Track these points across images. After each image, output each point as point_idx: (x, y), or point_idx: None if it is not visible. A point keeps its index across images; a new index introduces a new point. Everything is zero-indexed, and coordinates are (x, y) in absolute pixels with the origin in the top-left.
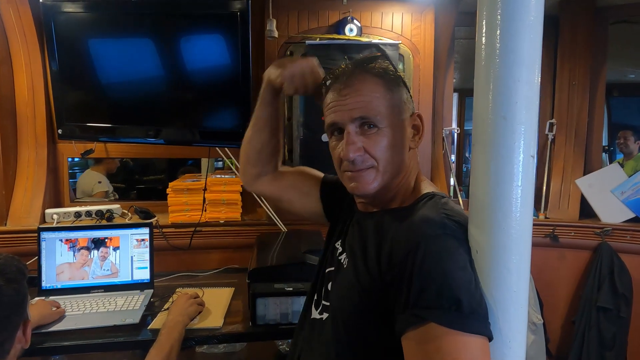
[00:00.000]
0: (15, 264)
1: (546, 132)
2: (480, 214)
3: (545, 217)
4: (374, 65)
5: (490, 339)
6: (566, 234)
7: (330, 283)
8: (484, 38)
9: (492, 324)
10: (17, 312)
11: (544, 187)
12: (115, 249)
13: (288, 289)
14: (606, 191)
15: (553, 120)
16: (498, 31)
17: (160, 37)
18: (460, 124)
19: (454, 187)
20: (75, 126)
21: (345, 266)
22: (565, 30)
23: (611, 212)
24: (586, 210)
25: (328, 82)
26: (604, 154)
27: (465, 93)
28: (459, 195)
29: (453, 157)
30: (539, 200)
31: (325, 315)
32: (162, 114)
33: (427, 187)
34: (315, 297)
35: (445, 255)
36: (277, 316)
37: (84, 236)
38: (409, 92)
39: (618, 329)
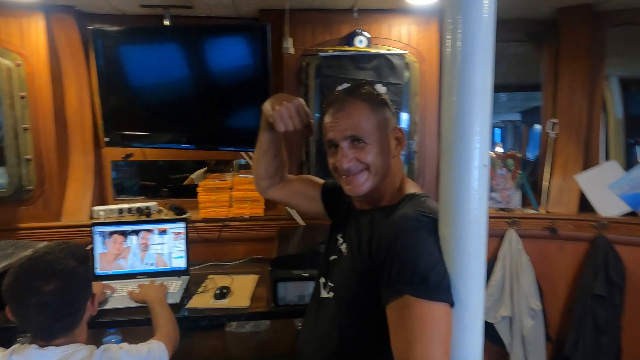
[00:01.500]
0: (82, 249)
1: (548, 130)
2: (446, 211)
3: (546, 212)
4: (361, 91)
5: (452, 304)
6: (565, 227)
7: (334, 268)
8: (447, 75)
9: (455, 294)
10: (87, 286)
11: (547, 184)
12: (157, 240)
13: (305, 274)
14: (604, 186)
15: (555, 120)
16: (458, 64)
17: (190, 49)
18: None
19: None
20: (118, 134)
21: (345, 254)
22: (565, 34)
23: (608, 206)
24: (585, 205)
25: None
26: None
27: None
28: None
29: None
30: (541, 195)
31: (331, 295)
32: (192, 121)
33: (410, 188)
34: (323, 280)
35: (417, 244)
36: (296, 297)
37: (129, 229)
38: (392, 110)
39: (612, 315)
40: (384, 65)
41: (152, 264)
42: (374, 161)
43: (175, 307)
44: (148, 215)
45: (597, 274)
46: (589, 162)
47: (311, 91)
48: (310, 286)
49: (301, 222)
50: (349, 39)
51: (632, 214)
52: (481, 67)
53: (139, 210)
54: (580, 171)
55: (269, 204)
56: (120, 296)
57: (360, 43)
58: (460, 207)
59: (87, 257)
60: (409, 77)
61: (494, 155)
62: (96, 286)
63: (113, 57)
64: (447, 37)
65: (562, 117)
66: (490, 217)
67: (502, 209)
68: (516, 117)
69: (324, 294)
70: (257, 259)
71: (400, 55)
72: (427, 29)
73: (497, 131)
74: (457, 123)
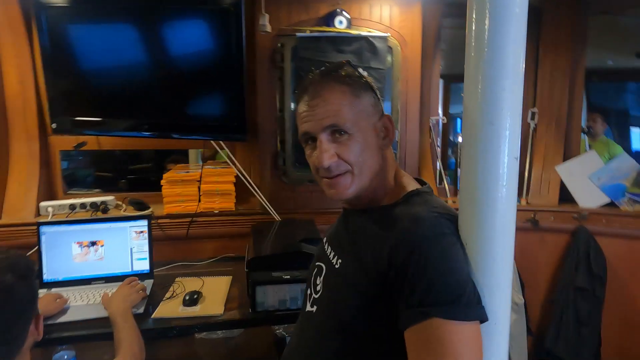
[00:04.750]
0: (24, 260)
1: (528, 120)
2: (469, 210)
3: (527, 203)
4: (339, 73)
5: (485, 320)
6: (546, 218)
7: (318, 278)
8: (473, 52)
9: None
10: (29, 307)
11: (527, 174)
12: (116, 240)
13: (285, 277)
14: (584, 177)
15: (535, 109)
16: (485, 45)
17: (151, 27)
18: (445, 108)
19: (440, 172)
20: (68, 120)
21: (337, 267)
22: (547, 22)
23: (588, 197)
24: (565, 196)
25: (297, 93)
26: (583, 134)
27: (451, 79)
28: (444, 181)
29: (438, 141)
30: (521, 186)
31: (315, 308)
32: (155, 107)
33: (409, 183)
34: (309, 292)
35: (445, 255)
36: (276, 302)
37: (82, 229)
38: (378, 95)
39: (593, 307)
40: (365, 48)
41: (110, 268)
42: (359, 158)
43: (139, 318)
44: (104, 211)
45: (578, 266)
46: (569, 152)
47: (286, 75)
48: (292, 290)
49: (276, 216)
50: (328, 19)
51: (611, 204)
52: (513, 44)
53: (94, 206)
54: (560, 162)
55: (241, 197)
56: (74, 306)
57: (340, 24)
58: (487, 206)
59: (29, 270)
60: (392, 62)
61: None
62: (46, 298)
63: (60, 34)
64: (472, 7)
65: (542, 106)
66: None
67: None
68: None
69: (308, 307)
70: (230, 257)
71: (383, 38)
72: (410, 11)
73: (458, 121)
74: (486, 109)
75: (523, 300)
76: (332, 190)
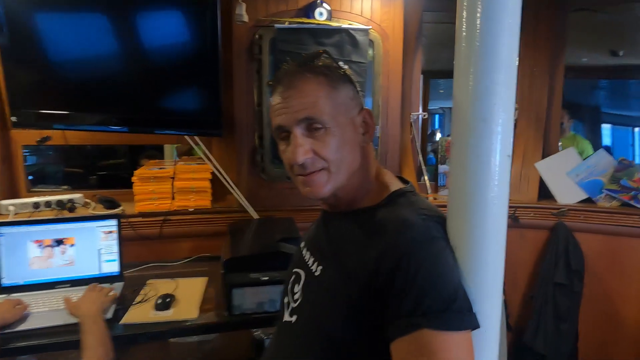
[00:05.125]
0: None
1: None
2: (459, 211)
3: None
4: (316, 63)
5: (477, 327)
6: (526, 214)
7: (297, 285)
8: (463, 43)
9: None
10: None
11: None
12: (83, 241)
13: (264, 278)
14: (562, 174)
15: (515, 106)
16: (478, 34)
17: (121, 15)
18: (425, 104)
19: (421, 168)
20: (30, 113)
21: (317, 274)
22: (527, 18)
23: (567, 193)
24: (544, 192)
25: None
26: None
27: (431, 75)
28: (425, 177)
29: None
30: None
31: (294, 318)
32: (125, 100)
33: (391, 182)
34: (286, 300)
35: (436, 261)
36: (254, 305)
37: (45, 229)
38: (356, 88)
39: (572, 302)
40: (346, 41)
41: (76, 270)
42: (336, 155)
43: (108, 323)
44: (71, 210)
45: (557, 262)
46: (548, 149)
47: (265, 68)
48: (271, 292)
49: (254, 214)
50: (307, 10)
51: (588, 200)
52: (507, 34)
53: (60, 204)
54: (540, 158)
55: (217, 195)
56: (36, 313)
57: (321, 16)
58: (478, 207)
59: None
60: (373, 56)
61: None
62: (4, 305)
63: (22, 22)
64: None
65: (523, 103)
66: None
67: None
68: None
69: (286, 316)
70: (205, 257)
71: (365, 31)
72: (392, 4)
73: (436, 117)
74: (477, 104)
75: (503, 297)
76: (307, 189)
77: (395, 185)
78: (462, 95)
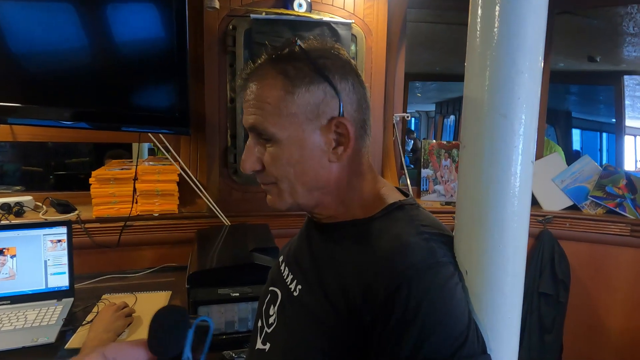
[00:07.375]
0: None
1: None
2: (470, 228)
3: None
4: (284, 53)
5: None
6: None
7: (272, 307)
8: (479, 19)
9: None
10: None
11: None
12: (26, 251)
13: (234, 294)
14: (547, 180)
15: None
16: (497, 11)
17: (83, 2)
18: (404, 107)
19: (404, 170)
20: None
21: (296, 294)
22: None
23: (552, 200)
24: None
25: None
26: None
27: (409, 77)
28: (407, 178)
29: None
30: None
31: (267, 347)
32: (82, 93)
33: (389, 194)
34: (260, 324)
35: (441, 293)
36: (222, 325)
37: None
38: (336, 89)
39: (557, 313)
40: (327, 35)
41: (17, 285)
42: (285, 172)
43: (49, 349)
44: (18, 214)
45: (542, 271)
46: None
47: (239, 61)
48: (241, 309)
49: (226, 220)
50: (286, 1)
51: (573, 207)
52: (535, 10)
53: (6, 207)
54: None
55: (185, 199)
56: None
57: (300, 7)
58: (495, 223)
59: None
60: (355, 52)
61: (438, 145)
62: None
63: None
64: None
65: None
66: (434, 213)
67: (447, 203)
68: (431, 107)
69: (259, 344)
70: (170, 267)
71: (347, 25)
72: None
73: (412, 120)
74: (497, 97)
75: None
76: (268, 197)
77: (392, 197)
78: (475, 89)
